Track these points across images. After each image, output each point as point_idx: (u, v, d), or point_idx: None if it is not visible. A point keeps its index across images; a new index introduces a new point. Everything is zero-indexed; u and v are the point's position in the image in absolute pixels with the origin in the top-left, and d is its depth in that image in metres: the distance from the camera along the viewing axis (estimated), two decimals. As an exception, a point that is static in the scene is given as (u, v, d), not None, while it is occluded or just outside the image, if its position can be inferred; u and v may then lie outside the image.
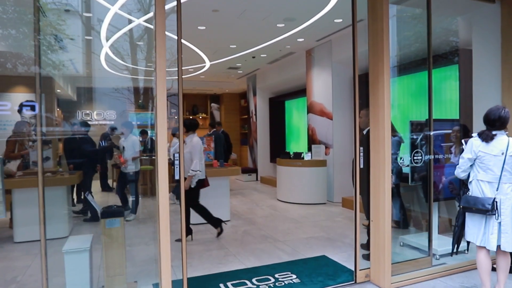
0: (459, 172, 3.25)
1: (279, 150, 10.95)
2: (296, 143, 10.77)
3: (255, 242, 4.94)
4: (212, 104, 14.34)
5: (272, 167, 11.40)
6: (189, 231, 4.94)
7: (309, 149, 8.08)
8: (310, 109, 8.23)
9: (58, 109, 10.63)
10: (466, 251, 3.80)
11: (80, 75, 11.19)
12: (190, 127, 5.01)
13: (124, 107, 12.60)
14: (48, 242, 2.87)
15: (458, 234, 3.37)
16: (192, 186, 4.77)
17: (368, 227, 3.76)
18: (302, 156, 7.66)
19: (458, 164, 3.27)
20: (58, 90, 9.29)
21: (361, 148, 3.51)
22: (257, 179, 11.34)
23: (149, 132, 12.35)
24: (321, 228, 5.61)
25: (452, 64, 5.58)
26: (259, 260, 4.22)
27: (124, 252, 3.12)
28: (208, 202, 5.91)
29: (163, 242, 2.80)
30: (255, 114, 11.48)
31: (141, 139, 10.37)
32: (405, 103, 6.14)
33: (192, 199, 4.89)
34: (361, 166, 3.51)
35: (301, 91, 9.59)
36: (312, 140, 8.14)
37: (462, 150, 3.26)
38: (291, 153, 7.96)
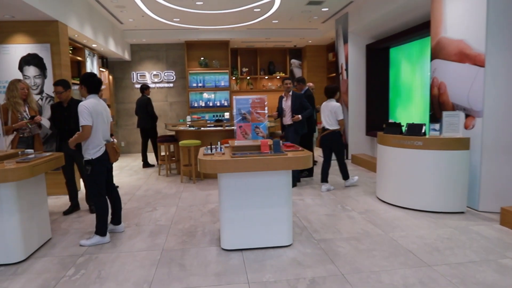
0: None
1: (379, 119, 7.79)
2: (405, 110, 7.44)
3: (331, 327, 2.25)
4: (292, 61, 11.44)
5: (368, 142, 8.31)
6: None
7: (434, 119, 4.90)
8: (437, 53, 4.95)
9: (103, 70, 8.86)
10: None
11: (129, 29, 9.26)
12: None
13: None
14: None
15: None
16: None
17: None
18: (423, 131, 4.55)
19: None
20: (94, 45, 7.39)
21: None
22: (347, 158, 8.39)
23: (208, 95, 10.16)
24: (477, 289, 2.64)
25: None
26: None
27: None
28: (250, 216, 3.33)
29: None
30: (346, 70, 8.35)
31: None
32: None
33: None
34: None
35: (420, 27, 6.19)
36: (439, 104, 4.92)
37: None
38: (404, 126, 4.86)
